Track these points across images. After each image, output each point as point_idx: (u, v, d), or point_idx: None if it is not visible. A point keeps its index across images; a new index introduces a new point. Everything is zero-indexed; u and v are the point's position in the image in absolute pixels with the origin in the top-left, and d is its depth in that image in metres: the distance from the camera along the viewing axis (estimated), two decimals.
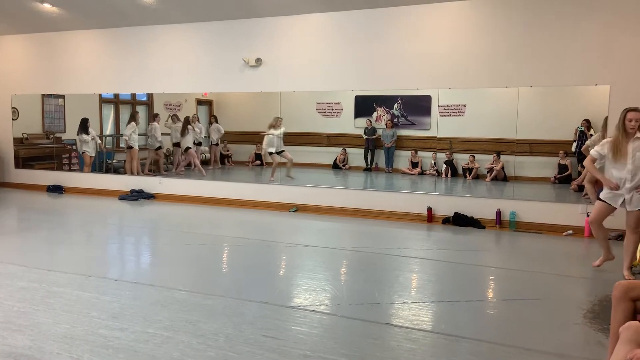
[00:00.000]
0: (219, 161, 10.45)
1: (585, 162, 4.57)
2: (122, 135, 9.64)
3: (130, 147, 9.26)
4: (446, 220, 6.87)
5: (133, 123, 9.28)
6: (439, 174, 8.81)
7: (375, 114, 9.50)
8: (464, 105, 8.12)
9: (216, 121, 10.25)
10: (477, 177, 8.43)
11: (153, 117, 9.61)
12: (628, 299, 2.55)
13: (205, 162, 10.14)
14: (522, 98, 6.75)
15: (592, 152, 4.49)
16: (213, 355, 2.90)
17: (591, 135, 6.77)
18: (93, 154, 9.58)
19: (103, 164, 9.83)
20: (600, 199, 4.52)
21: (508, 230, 6.55)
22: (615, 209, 4.45)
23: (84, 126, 9.42)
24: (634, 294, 2.56)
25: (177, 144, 9.84)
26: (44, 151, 9.88)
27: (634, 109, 4.25)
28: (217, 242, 5.74)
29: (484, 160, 8.43)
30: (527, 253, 5.52)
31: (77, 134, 9.48)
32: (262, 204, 8.00)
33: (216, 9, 7.79)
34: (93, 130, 9.47)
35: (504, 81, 6.61)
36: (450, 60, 6.82)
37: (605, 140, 4.46)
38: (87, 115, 9.47)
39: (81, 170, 9.68)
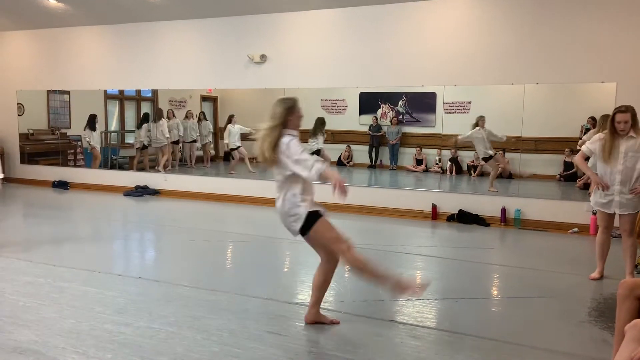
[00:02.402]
0: (188, 161, 10.02)
1: (575, 158, 4.42)
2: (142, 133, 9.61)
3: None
4: (451, 218, 6.85)
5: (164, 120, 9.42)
6: (443, 171, 8.78)
7: (379, 111, 9.46)
8: (469, 103, 8.07)
9: (172, 116, 9.82)
10: (482, 174, 8.40)
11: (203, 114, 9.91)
12: (633, 297, 2.54)
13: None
14: (528, 95, 6.71)
15: (584, 148, 4.29)
16: (217, 350, 2.91)
17: None
18: None
19: (108, 160, 9.85)
20: (594, 210, 4.31)
21: (513, 227, 6.53)
22: (614, 214, 4.22)
23: (91, 122, 9.44)
24: (639, 293, 2.55)
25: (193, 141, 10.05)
26: (49, 147, 9.91)
27: (623, 110, 3.98)
28: (222, 239, 5.75)
29: None
30: (532, 251, 5.51)
31: (84, 130, 9.50)
32: (266, 201, 7.99)
33: (221, 5, 7.79)
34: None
35: (509, 78, 6.57)
36: (455, 57, 6.79)
37: (596, 137, 4.22)
38: (92, 111, 9.49)
39: (87, 166, 9.71)
